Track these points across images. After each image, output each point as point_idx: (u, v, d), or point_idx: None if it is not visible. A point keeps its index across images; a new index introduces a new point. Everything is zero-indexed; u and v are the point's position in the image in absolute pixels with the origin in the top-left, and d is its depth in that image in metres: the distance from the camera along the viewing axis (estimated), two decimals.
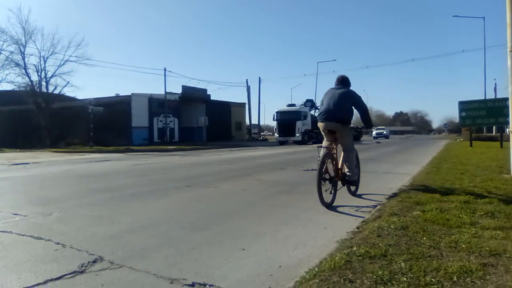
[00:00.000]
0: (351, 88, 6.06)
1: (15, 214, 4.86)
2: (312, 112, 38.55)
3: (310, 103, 37.48)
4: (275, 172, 9.94)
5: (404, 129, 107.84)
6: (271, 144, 36.64)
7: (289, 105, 36.78)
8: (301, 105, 36.84)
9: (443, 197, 5.05)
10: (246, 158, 16.22)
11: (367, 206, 5.11)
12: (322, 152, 5.53)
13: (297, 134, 33.36)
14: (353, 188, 6.08)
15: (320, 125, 5.86)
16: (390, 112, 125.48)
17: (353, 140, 6.39)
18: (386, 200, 5.29)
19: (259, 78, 47.19)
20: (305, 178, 8.64)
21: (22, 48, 33.54)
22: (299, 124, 33.45)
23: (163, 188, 7.26)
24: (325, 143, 5.85)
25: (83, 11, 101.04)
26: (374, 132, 59.38)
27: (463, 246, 2.97)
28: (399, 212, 4.19)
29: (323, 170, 5.34)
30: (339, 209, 5.06)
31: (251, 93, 50.17)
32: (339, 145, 5.84)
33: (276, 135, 35.43)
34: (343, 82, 6.06)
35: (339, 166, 5.79)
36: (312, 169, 10.15)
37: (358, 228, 3.82)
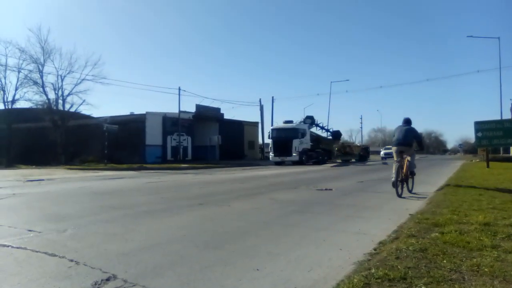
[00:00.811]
0: (412, 125, 9.52)
1: (30, 230, 4.87)
2: (314, 129, 36.62)
3: (310, 120, 35.39)
4: (288, 191, 9.86)
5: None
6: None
7: (286, 122, 33.91)
8: (301, 122, 34.64)
9: (462, 218, 4.92)
10: (259, 177, 16.16)
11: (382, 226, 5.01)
12: (395, 165, 8.85)
13: (293, 154, 30.63)
14: (408, 188, 9.23)
15: (394, 148, 9.36)
16: None
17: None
18: (402, 221, 5.18)
19: (272, 97, 47.29)
20: (318, 197, 8.55)
21: (40, 67, 34.34)
22: (296, 142, 30.77)
23: (176, 206, 7.24)
24: (396, 159, 9.10)
25: (100, 32, 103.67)
26: (382, 152, 54.71)
27: (486, 270, 2.87)
28: (417, 234, 4.08)
29: (398, 175, 8.62)
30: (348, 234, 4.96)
31: (264, 112, 50.37)
32: (405, 158, 9.02)
33: (271, 154, 32.29)
34: (408, 122, 9.57)
35: (404, 172, 8.84)
36: (326, 189, 10.06)
37: (375, 249, 3.73)
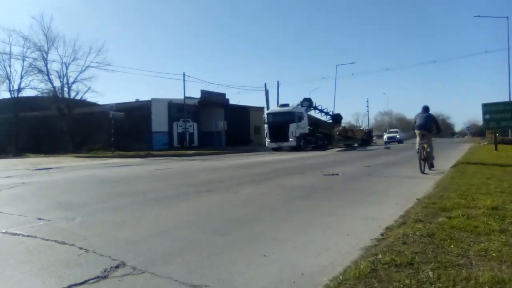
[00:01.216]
0: (430, 111, 11.29)
1: (39, 219, 4.93)
2: (313, 113, 34.70)
3: (308, 103, 33.27)
4: (295, 177, 9.88)
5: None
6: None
7: (282, 106, 32.46)
8: (298, 105, 32.77)
9: (469, 202, 4.90)
10: (265, 162, 16.19)
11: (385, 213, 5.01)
12: (418, 145, 10.56)
13: (290, 139, 28.90)
14: (430, 166, 10.57)
15: (417, 132, 10.78)
16: (411, 115, 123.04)
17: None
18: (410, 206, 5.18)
19: (278, 81, 46.96)
20: (324, 183, 8.56)
21: (44, 55, 34.35)
22: (292, 127, 29.02)
23: (183, 192, 7.28)
24: (419, 141, 10.65)
25: (103, 18, 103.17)
26: (385, 136, 51.97)
27: (494, 254, 2.86)
28: (424, 219, 4.07)
29: (420, 153, 10.38)
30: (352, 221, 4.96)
31: (270, 97, 50.14)
32: (428, 139, 10.64)
33: (267, 140, 30.57)
34: (426, 109, 11.16)
35: (425, 152, 10.38)
36: (333, 174, 10.06)
37: (382, 235, 3.73)
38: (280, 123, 29.43)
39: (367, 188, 7.49)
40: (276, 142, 29.57)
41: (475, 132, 75.55)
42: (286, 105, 32.46)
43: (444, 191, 6.00)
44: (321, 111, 36.45)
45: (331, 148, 33.12)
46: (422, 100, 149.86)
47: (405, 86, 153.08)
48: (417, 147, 10.66)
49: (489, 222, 3.82)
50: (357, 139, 38.63)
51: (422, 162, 10.31)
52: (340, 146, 36.38)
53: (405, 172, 10.45)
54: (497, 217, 4.05)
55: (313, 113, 34.81)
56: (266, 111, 32.53)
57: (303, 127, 30.22)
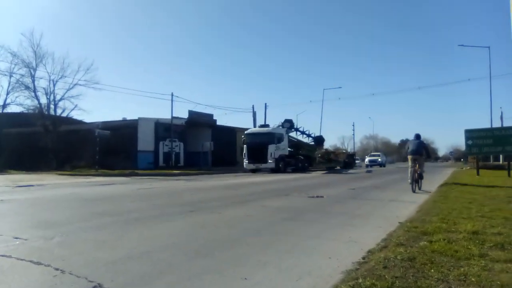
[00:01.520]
0: (421, 139, 12.87)
1: (16, 238, 4.81)
2: (294, 134, 34.11)
3: (289, 124, 32.32)
4: (280, 199, 9.85)
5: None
6: None
7: (262, 126, 31.84)
8: (279, 126, 31.75)
9: (450, 227, 4.95)
10: (251, 183, 16.13)
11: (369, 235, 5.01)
12: (411, 169, 11.83)
13: (269, 161, 28.10)
14: (420, 186, 11.92)
15: (410, 157, 12.16)
16: (395, 139, 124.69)
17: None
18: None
19: (265, 104, 47.21)
20: (309, 205, 8.55)
21: (32, 72, 34.11)
22: (272, 148, 28.32)
23: (167, 213, 7.19)
24: (411, 165, 11.97)
25: (93, 38, 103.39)
26: (366, 159, 51.05)
27: (473, 279, 2.88)
28: (405, 242, 4.09)
29: (413, 176, 11.59)
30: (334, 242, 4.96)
31: (257, 118, 50.34)
32: (417, 164, 11.94)
33: (245, 161, 29.53)
34: (418, 137, 12.67)
35: (417, 174, 11.71)
36: (317, 196, 10.07)
37: (364, 258, 3.73)
38: (259, 144, 28.57)
39: (351, 211, 7.51)
40: (254, 163, 28.65)
41: (458, 157, 76.79)
42: (266, 125, 31.86)
43: (426, 215, 6.05)
44: (302, 132, 36.00)
45: (314, 171, 32.60)
46: (407, 124, 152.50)
47: (391, 111, 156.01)
48: (409, 171, 11.89)
49: (469, 247, 3.86)
50: (340, 161, 38.31)
51: (414, 183, 11.55)
52: (322, 168, 35.82)
53: (389, 195, 10.52)
54: (477, 241, 4.10)
55: (294, 134, 34.52)
56: (245, 132, 30.92)
57: (283, 148, 29.62)
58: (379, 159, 49.48)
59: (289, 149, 31.31)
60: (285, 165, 29.33)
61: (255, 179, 19.63)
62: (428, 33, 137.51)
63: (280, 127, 31.50)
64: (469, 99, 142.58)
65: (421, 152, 12.27)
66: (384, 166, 46.92)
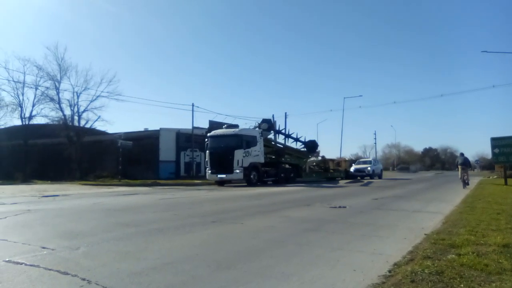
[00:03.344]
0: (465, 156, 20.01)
1: (43, 248, 4.90)
2: (271, 136, 28.29)
3: (266, 125, 26.64)
4: (302, 209, 9.77)
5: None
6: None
7: (229, 126, 25.73)
8: (256, 127, 26.60)
9: (479, 239, 4.80)
10: (271, 193, 16.08)
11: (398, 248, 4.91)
12: (460, 173, 18.79)
13: (236, 170, 22.27)
14: (466, 184, 18.23)
15: (460, 167, 18.91)
16: (419, 147, 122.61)
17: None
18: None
19: (285, 113, 47.02)
20: (332, 215, 8.46)
21: (57, 84, 35.14)
22: (239, 154, 22.44)
23: (189, 223, 7.22)
24: (460, 172, 18.79)
25: (114, 50, 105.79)
26: (352, 168, 36.40)
27: None
28: (432, 255, 3.99)
29: (463, 179, 18.49)
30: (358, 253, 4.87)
31: (278, 128, 50.24)
32: (465, 171, 19.04)
33: (208, 171, 23.74)
34: (463, 154, 20.10)
35: (466, 177, 18.75)
36: (340, 206, 9.95)
37: (390, 271, 3.65)
38: (224, 149, 23.02)
39: (375, 222, 7.38)
40: (217, 174, 22.91)
41: (485, 165, 74.85)
42: (235, 126, 25.91)
43: (453, 227, 5.90)
44: (287, 136, 30.35)
45: (303, 182, 27.40)
46: (430, 132, 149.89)
47: (413, 119, 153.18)
48: (459, 176, 18.93)
49: (500, 261, 3.73)
50: (341, 171, 34.43)
51: (463, 183, 18.28)
52: (314, 179, 30.82)
53: (414, 206, 10.32)
54: (508, 255, 3.96)
55: (272, 136, 28.87)
56: (208, 134, 25.22)
57: (256, 155, 23.66)
58: (369, 168, 34.70)
59: (269, 155, 26.31)
60: (259, 175, 23.75)
61: (274, 188, 19.50)
62: (451, 39, 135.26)
63: (257, 128, 26.23)
64: (495, 106, 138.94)
65: (466, 164, 19.34)
66: (380, 177, 34.64)
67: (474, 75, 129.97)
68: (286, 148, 29.45)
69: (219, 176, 22.82)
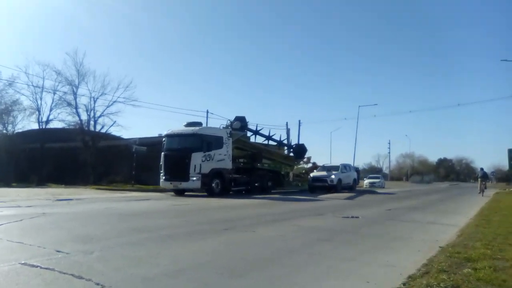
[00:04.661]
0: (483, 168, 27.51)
1: (58, 251, 4.96)
2: (252, 137, 24.87)
3: (239, 124, 22.65)
4: (314, 218, 9.72)
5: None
6: None
7: (190, 124, 20.15)
8: (227, 126, 22.51)
9: (496, 253, 4.72)
10: (284, 201, 16.03)
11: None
12: (479, 184, 25.54)
13: (192, 178, 18.00)
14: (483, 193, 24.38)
15: (480, 179, 25.69)
16: (433, 157, 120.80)
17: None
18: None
19: (299, 121, 46.84)
20: (344, 226, 8.39)
21: (75, 89, 35.64)
22: (196, 158, 18.17)
23: (201, 230, 7.24)
24: (481, 182, 25.32)
25: (131, 55, 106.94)
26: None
27: None
28: (448, 269, 3.93)
29: (481, 189, 24.96)
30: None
31: (291, 136, 50.16)
32: (484, 183, 26.07)
33: (162, 177, 19.45)
34: (482, 169, 28.00)
35: (484, 188, 25.78)
36: (352, 217, 9.87)
37: (404, 284, 3.60)
38: (179, 152, 19.08)
39: (388, 233, 7.30)
40: (171, 181, 18.90)
41: (501, 177, 73.52)
42: (198, 123, 20.66)
43: (468, 240, 5.81)
44: (268, 138, 26.12)
45: (282, 192, 24.39)
46: (445, 142, 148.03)
47: (428, 128, 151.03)
48: (478, 187, 24.90)
49: None
50: None
51: (481, 192, 23.78)
52: (298, 189, 28.24)
53: (428, 217, 10.19)
54: None
55: (251, 137, 25.06)
56: (164, 133, 20.97)
57: (221, 159, 19.38)
58: (333, 176, 25.82)
59: (242, 160, 23.02)
60: (223, 183, 19.53)
61: (289, 196, 19.41)
62: (468, 47, 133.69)
63: (229, 127, 22.18)
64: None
65: (486, 177, 25.55)
66: (351, 189, 27.13)
67: (491, 84, 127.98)
68: (267, 152, 24.98)
69: (173, 183, 18.85)
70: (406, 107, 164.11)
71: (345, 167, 27.80)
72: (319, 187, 24.79)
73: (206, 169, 18.35)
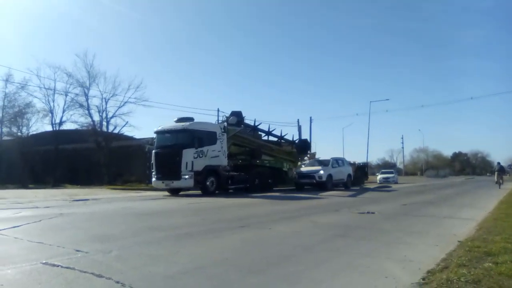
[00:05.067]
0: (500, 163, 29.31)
1: (77, 251, 5.03)
2: (252, 132, 24.03)
3: (236, 119, 21.70)
4: (329, 214, 9.70)
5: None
6: None
7: (181, 120, 19.15)
8: (223, 121, 22.14)
9: None
10: (298, 198, 16.01)
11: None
12: (496, 177, 27.46)
13: (184, 176, 17.11)
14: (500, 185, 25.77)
15: (497, 172, 27.85)
16: (448, 152, 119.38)
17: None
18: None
19: (310, 117, 46.62)
20: (360, 221, 8.36)
21: (86, 91, 36.07)
22: (188, 155, 17.31)
23: (217, 228, 7.28)
24: (497, 175, 27.30)
25: (141, 56, 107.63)
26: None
27: None
28: (468, 263, 3.89)
29: (499, 182, 26.48)
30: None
31: (303, 133, 50.00)
32: (501, 176, 27.64)
33: (153, 177, 18.80)
34: (499, 163, 29.34)
35: (502, 181, 27.04)
36: (368, 212, 9.82)
37: (423, 279, 3.57)
38: (170, 149, 18.15)
39: (405, 228, 7.24)
40: (163, 180, 18.01)
41: None
42: (189, 119, 19.24)
43: (488, 234, 5.73)
44: (268, 133, 25.33)
45: (281, 190, 22.87)
46: (460, 136, 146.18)
47: (442, 122, 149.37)
48: (495, 179, 26.86)
49: None
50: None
51: (498, 184, 25.16)
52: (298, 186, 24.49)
53: (444, 212, 10.08)
54: None
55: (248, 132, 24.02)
56: (155, 130, 19.79)
57: (215, 156, 18.52)
58: (321, 172, 22.73)
59: (241, 156, 22.44)
60: (219, 181, 18.63)
61: (303, 193, 19.37)
62: (477, 42, 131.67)
63: (224, 122, 21.29)
64: None
65: (503, 170, 27.37)
66: (346, 187, 24.50)
67: (505, 77, 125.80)
68: (267, 147, 24.12)
69: (165, 182, 17.95)
70: (418, 102, 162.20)
71: (337, 161, 25.17)
72: (306, 184, 23.19)
73: (199, 166, 17.52)
